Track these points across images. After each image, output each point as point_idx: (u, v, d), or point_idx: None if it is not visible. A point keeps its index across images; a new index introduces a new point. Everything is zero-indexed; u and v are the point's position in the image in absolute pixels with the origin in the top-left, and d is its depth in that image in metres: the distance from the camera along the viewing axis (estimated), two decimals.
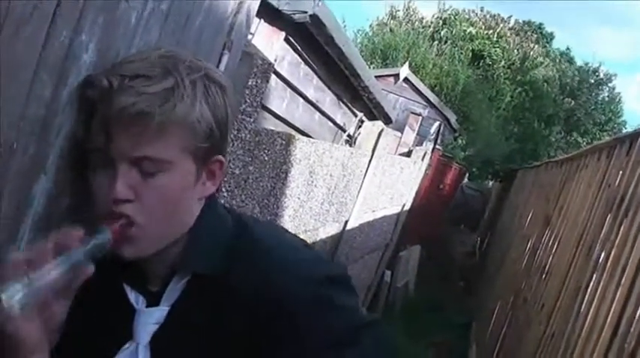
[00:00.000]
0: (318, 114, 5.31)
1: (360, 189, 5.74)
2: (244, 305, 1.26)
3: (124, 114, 1.17)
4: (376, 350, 1.32)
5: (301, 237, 3.96)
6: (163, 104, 1.19)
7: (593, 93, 30.90)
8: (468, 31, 24.36)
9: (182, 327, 1.29)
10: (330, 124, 5.80)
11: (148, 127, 1.19)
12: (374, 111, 6.84)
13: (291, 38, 4.07)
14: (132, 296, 1.32)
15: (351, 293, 1.38)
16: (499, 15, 29.04)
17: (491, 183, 26.28)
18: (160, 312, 1.30)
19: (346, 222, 5.67)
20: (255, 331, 1.26)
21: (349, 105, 6.13)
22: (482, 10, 28.38)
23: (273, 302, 1.25)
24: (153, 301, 1.31)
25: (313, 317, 1.26)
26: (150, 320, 1.30)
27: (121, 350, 1.30)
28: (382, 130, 6.23)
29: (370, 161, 5.83)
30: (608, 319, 2.75)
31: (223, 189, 2.58)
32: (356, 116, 6.49)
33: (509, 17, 30.21)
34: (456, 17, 25.54)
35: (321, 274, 1.32)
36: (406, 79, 15.72)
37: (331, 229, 5.21)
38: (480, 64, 23.20)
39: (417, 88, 15.81)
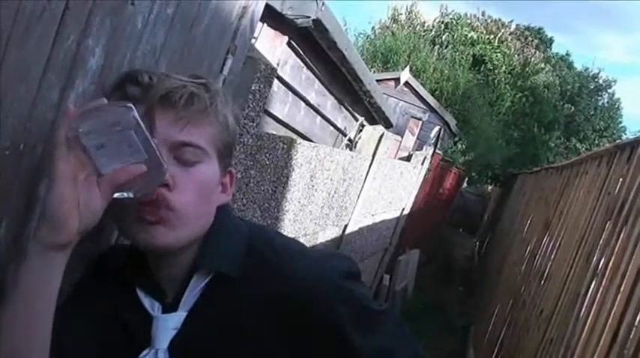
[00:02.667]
0: (319, 118, 5.32)
1: (360, 193, 5.74)
2: (265, 306, 1.28)
3: (174, 96, 1.21)
4: (397, 330, 1.38)
5: (301, 241, 3.97)
6: (207, 91, 1.26)
7: (593, 99, 30.87)
8: (469, 35, 24.33)
9: (201, 331, 1.29)
10: (331, 128, 5.80)
11: (193, 112, 1.23)
12: (375, 115, 6.84)
13: (293, 42, 4.08)
14: (146, 302, 1.33)
15: (364, 285, 1.43)
16: (500, 20, 29.05)
17: (490, 187, 26.27)
18: (178, 317, 1.30)
19: (346, 226, 5.67)
20: (279, 330, 1.27)
21: (350, 109, 6.14)
22: (483, 15, 28.38)
23: (297, 300, 1.27)
24: (168, 306, 1.32)
25: (337, 308, 1.28)
26: (168, 325, 1.30)
27: (140, 357, 1.30)
28: (383, 134, 6.24)
29: (370, 165, 5.84)
30: (608, 325, 2.76)
31: None
32: (357, 120, 6.50)
33: (511, 22, 30.22)
34: (458, 22, 25.52)
35: (340, 269, 1.35)
36: (407, 83, 15.73)
37: (331, 233, 5.21)
38: (481, 68, 23.16)
39: (417, 92, 15.82)
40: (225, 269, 1.30)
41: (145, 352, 1.30)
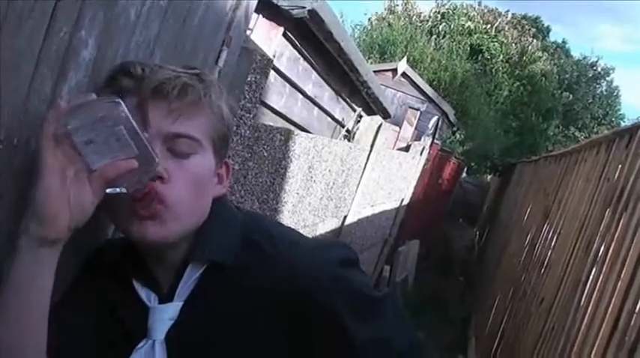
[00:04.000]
0: (316, 109, 5.31)
1: (359, 184, 5.74)
2: (263, 297, 1.27)
3: (167, 87, 1.20)
4: (396, 319, 1.38)
5: (300, 232, 3.96)
6: (201, 82, 1.25)
7: (591, 87, 30.92)
8: (466, 25, 24.28)
9: (197, 321, 1.29)
10: (329, 119, 5.80)
11: (186, 104, 1.22)
12: (372, 106, 6.84)
13: (289, 33, 4.07)
14: (143, 293, 1.32)
15: (363, 273, 1.42)
16: (497, 9, 29.03)
17: (489, 177, 26.28)
18: (174, 308, 1.30)
19: (345, 217, 5.67)
20: (278, 321, 1.27)
21: (348, 100, 6.13)
22: (480, 5, 28.35)
23: (295, 292, 1.26)
24: (164, 297, 1.32)
25: (336, 298, 1.27)
26: (164, 316, 1.30)
27: (136, 348, 1.29)
28: (381, 125, 6.23)
29: (369, 156, 5.83)
30: (608, 312, 2.76)
31: None
32: (354, 111, 6.49)
33: (507, 11, 30.18)
34: (454, 11, 25.46)
35: (337, 258, 1.34)
36: (404, 74, 15.71)
37: (330, 224, 5.21)
38: (478, 58, 23.12)
39: (415, 83, 15.80)
40: (219, 259, 1.30)
41: (141, 343, 1.30)
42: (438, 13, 25.52)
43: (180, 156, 1.24)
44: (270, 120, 4.14)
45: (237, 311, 1.29)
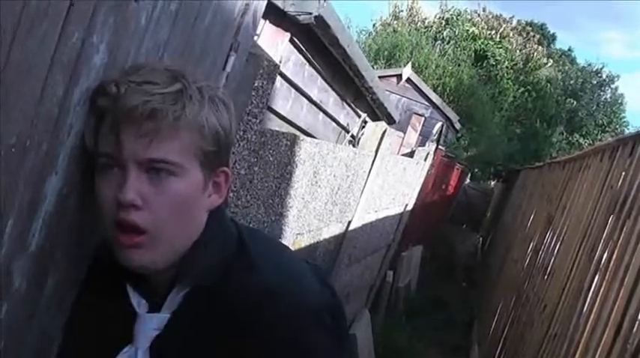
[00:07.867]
0: (322, 114, 5.32)
1: (363, 189, 5.74)
2: (237, 317, 1.27)
3: (135, 113, 1.18)
4: None
5: (305, 237, 3.96)
6: (174, 103, 1.21)
7: (596, 94, 30.89)
8: (471, 31, 24.32)
9: (182, 334, 1.30)
10: (334, 125, 5.81)
11: (159, 127, 1.20)
12: (377, 111, 6.85)
13: (295, 39, 4.08)
14: (134, 299, 1.33)
15: (331, 331, 1.37)
16: (502, 15, 29.07)
17: (493, 183, 26.29)
18: (161, 318, 1.30)
19: (349, 222, 5.67)
20: (244, 342, 1.27)
21: (353, 105, 6.14)
22: (484, 11, 28.38)
23: (260, 321, 1.26)
24: (155, 306, 1.32)
25: (288, 342, 1.28)
26: (150, 325, 1.30)
27: (120, 353, 1.31)
28: (385, 131, 6.24)
29: (373, 161, 5.83)
30: (611, 319, 2.76)
31: None
32: (359, 116, 6.50)
33: (512, 17, 30.22)
34: (459, 17, 25.51)
35: (309, 306, 1.32)
36: (409, 80, 15.71)
37: (334, 229, 5.21)
38: (483, 64, 23.15)
39: (419, 89, 15.80)
40: (204, 283, 1.30)
41: (125, 348, 1.31)
42: (443, 18, 25.55)
43: (159, 180, 1.23)
44: (275, 125, 4.15)
45: (220, 328, 1.29)
